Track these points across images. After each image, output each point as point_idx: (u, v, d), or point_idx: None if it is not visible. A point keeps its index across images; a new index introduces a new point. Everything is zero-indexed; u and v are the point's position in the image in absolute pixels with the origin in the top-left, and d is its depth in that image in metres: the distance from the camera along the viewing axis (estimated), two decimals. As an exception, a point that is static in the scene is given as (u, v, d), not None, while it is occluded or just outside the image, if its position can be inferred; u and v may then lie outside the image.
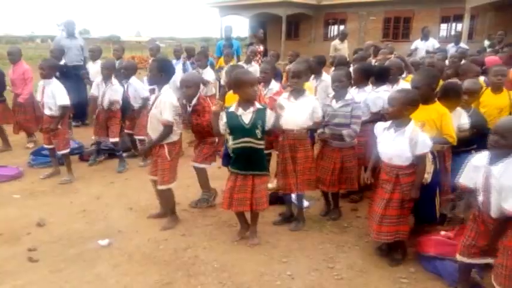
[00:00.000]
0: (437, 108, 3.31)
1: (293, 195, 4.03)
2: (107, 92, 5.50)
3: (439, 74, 4.02)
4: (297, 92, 3.72)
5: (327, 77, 5.09)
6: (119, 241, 3.66)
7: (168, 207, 4.00)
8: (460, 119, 3.49)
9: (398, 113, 3.07)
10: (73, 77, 7.19)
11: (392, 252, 3.35)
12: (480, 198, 2.51)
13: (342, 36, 10.43)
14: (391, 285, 3.02)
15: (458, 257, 2.72)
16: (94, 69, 6.98)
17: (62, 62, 7.17)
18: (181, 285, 3.01)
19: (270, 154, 4.43)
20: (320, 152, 4.03)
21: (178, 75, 6.76)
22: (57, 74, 5.69)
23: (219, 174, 4.60)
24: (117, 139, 5.64)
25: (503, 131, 2.36)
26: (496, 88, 3.86)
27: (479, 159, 2.53)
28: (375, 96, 4.21)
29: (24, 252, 3.44)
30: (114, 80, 5.57)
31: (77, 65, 7.81)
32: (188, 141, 4.86)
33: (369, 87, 4.34)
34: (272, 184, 4.58)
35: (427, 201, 3.23)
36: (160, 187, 3.80)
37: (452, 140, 3.26)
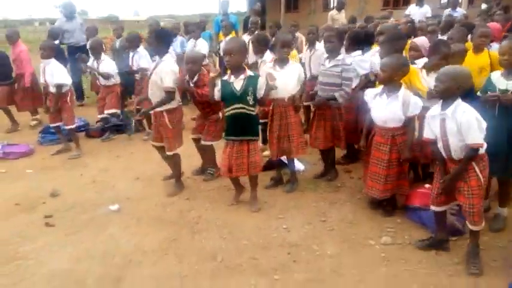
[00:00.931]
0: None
1: (286, 160, 4.26)
2: (99, 68, 5.77)
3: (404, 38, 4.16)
4: (281, 61, 3.88)
5: (320, 46, 5.22)
6: (128, 207, 3.94)
7: (174, 173, 4.24)
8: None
9: (390, 77, 3.26)
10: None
11: (384, 204, 3.60)
12: (440, 144, 2.75)
13: (339, 6, 10.38)
14: (378, 234, 3.28)
15: (432, 207, 2.98)
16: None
17: (56, 42, 7.33)
18: (187, 240, 3.30)
19: (266, 123, 4.63)
20: (314, 112, 4.25)
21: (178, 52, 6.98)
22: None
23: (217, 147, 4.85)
24: (113, 110, 5.89)
25: (440, 77, 2.67)
26: (478, 49, 3.99)
27: (434, 109, 2.79)
28: (359, 59, 4.38)
29: (41, 219, 3.73)
30: (103, 56, 5.83)
31: (83, 45, 7.93)
32: (192, 117, 5.07)
33: (356, 53, 4.49)
34: (268, 151, 4.80)
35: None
36: (168, 153, 4.04)
37: (423, 93, 3.45)
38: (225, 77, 3.58)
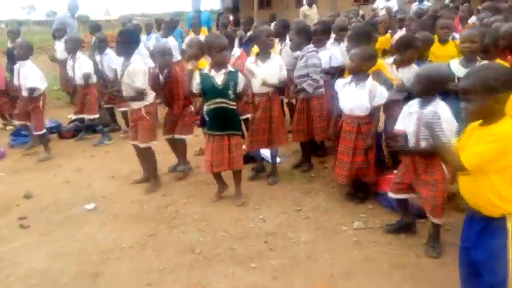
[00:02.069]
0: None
1: (264, 152, 4.34)
2: (75, 67, 5.60)
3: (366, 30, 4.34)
4: (264, 54, 3.96)
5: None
6: (104, 205, 3.93)
7: (150, 169, 4.24)
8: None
9: (358, 68, 3.39)
10: None
11: (357, 193, 3.73)
12: (413, 140, 2.82)
13: (310, 1, 10.55)
14: (351, 219, 3.41)
15: (389, 194, 3.10)
16: (60, 47, 7.02)
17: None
18: (165, 235, 3.33)
19: (247, 119, 4.69)
20: (294, 106, 4.34)
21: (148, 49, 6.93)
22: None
23: (193, 143, 4.90)
24: (95, 115, 5.76)
25: (418, 79, 2.75)
26: (443, 40, 4.18)
27: (411, 105, 2.86)
28: (336, 52, 4.51)
29: (15, 221, 3.68)
30: (79, 54, 5.61)
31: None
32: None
33: (329, 43, 4.61)
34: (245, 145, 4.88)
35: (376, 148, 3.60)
36: (142, 145, 4.04)
37: (393, 81, 3.60)
38: (205, 70, 3.57)
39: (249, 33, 7.27)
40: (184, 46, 6.72)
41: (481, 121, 1.89)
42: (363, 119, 3.43)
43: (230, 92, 3.51)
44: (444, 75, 2.80)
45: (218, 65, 3.51)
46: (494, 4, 6.35)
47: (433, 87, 2.71)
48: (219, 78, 3.50)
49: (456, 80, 3.12)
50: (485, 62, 3.11)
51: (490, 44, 3.31)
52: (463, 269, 2.11)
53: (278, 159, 4.68)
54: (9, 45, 7.48)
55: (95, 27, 7.73)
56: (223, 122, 3.60)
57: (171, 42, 7.18)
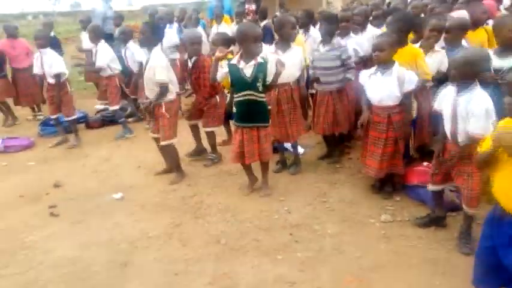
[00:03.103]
0: (410, 50, 3.50)
1: (288, 144, 4.30)
2: (97, 55, 5.59)
3: (410, 16, 4.14)
4: (283, 44, 3.89)
5: (314, 31, 5.20)
6: (131, 194, 3.99)
7: (173, 163, 4.28)
8: (440, 64, 3.57)
9: (389, 56, 3.27)
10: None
11: (384, 186, 3.64)
12: (448, 126, 2.72)
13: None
14: (378, 212, 3.34)
15: (428, 186, 3.00)
16: (87, 38, 7.09)
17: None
18: (190, 225, 3.36)
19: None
20: (314, 98, 4.27)
21: (171, 40, 6.93)
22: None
23: (219, 132, 4.89)
24: (116, 107, 5.76)
25: (454, 65, 2.61)
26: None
27: (449, 89, 2.74)
28: (361, 41, 4.38)
29: (45, 209, 3.78)
30: (100, 44, 5.57)
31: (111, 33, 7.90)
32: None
33: (353, 34, 4.49)
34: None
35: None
36: (162, 143, 4.06)
37: (429, 77, 3.46)
38: (233, 61, 3.50)
39: (263, 23, 7.17)
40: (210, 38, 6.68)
41: None
42: (393, 109, 3.32)
43: (259, 84, 3.44)
44: (482, 59, 2.63)
45: (249, 56, 3.44)
46: None
47: (470, 71, 2.53)
48: (248, 70, 3.43)
49: (492, 71, 2.99)
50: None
51: None
52: (483, 269, 2.05)
53: (302, 150, 4.64)
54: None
55: (118, 19, 7.77)
56: (252, 114, 3.55)
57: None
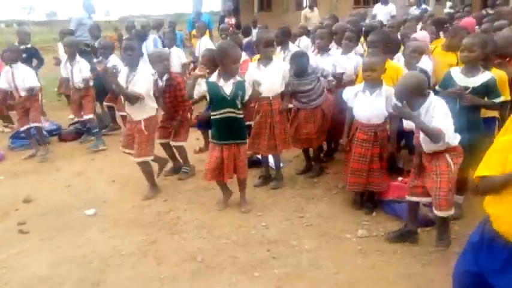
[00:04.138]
0: (392, 65, 3.60)
1: (270, 157, 4.31)
2: (74, 71, 5.53)
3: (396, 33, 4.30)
4: (266, 59, 3.93)
5: (293, 47, 5.27)
6: (105, 210, 3.89)
7: (147, 179, 4.16)
8: None
9: (379, 74, 3.34)
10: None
11: (365, 202, 3.67)
12: (415, 138, 2.86)
13: (311, 4, 10.55)
14: (355, 227, 3.37)
15: (408, 198, 3.06)
16: (63, 49, 6.98)
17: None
18: (166, 241, 3.29)
19: (250, 126, 4.66)
20: (293, 116, 4.30)
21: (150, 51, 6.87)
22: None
23: (198, 145, 4.86)
24: (91, 116, 5.66)
25: (398, 96, 2.84)
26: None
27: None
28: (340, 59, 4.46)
29: (14, 226, 3.63)
30: (78, 58, 5.55)
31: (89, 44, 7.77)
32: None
33: (333, 50, 4.58)
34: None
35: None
36: (137, 160, 3.97)
37: None
38: (212, 79, 3.49)
39: (246, 39, 7.25)
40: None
41: None
42: (379, 127, 3.40)
43: (238, 102, 3.45)
44: (419, 82, 2.77)
45: (228, 75, 3.44)
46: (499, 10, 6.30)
47: (415, 94, 2.74)
48: (227, 88, 3.43)
49: (459, 87, 3.09)
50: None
51: (491, 51, 3.26)
52: None
53: (281, 164, 4.64)
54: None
55: (95, 30, 7.68)
56: (230, 131, 3.54)
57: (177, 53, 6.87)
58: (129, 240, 3.32)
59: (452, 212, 2.86)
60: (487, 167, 1.82)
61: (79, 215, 3.79)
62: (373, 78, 3.31)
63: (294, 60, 4.03)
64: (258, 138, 4.04)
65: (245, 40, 7.59)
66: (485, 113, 3.25)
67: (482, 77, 3.05)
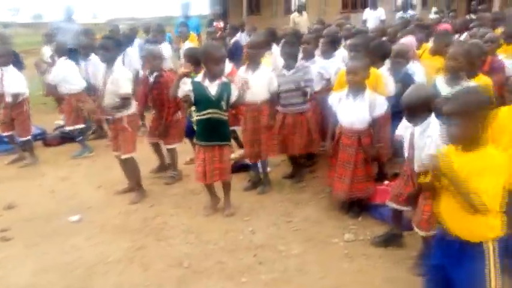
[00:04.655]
0: (373, 71, 3.63)
1: (259, 163, 4.31)
2: (52, 72, 5.45)
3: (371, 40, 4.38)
4: (254, 64, 3.94)
5: (276, 49, 5.29)
6: (90, 216, 3.84)
7: (134, 180, 4.16)
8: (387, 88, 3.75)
9: (362, 79, 3.35)
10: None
11: (352, 206, 3.68)
12: (406, 154, 2.81)
13: (300, 8, 10.62)
14: (342, 231, 3.39)
15: (388, 203, 3.04)
16: (49, 52, 6.91)
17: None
18: (152, 247, 3.27)
19: (234, 131, 4.67)
20: (280, 121, 4.30)
21: (136, 54, 6.86)
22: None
23: (185, 149, 4.83)
24: (71, 127, 5.53)
25: (406, 105, 2.63)
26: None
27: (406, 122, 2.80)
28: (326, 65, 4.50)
29: (-3, 233, 3.57)
30: (60, 60, 5.46)
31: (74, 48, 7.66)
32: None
33: (318, 57, 4.61)
34: (235, 154, 4.85)
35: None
36: (124, 156, 3.97)
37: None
38: (198, 79, 3.50)
39: (232, 40, 7.25)
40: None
41: (459, 145, 1.90)
42: (363, 132, 3.41)
43: (223, 103, 3.46)
44: (432, 97, 2.67)
45: (213, 75, 3.45)
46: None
47: (417, 111, 2.60)
48: (213, 88, 3.44)
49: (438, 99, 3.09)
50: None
51: (475, 57, 3.30)
52: (432, 286, 2.12)
53: (268, 169, 4.65)
54: None
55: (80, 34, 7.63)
56: (214, 132, 3.55)
57: (166, 50, 6.79)
58: (115, 247, 3.29)
59: (432, 233, 2.74)
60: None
61: (64, 221, 3.74)
62: (355, 81, 3.33)
63: (285, 46, 4.09)
64: (252, 145, 4.04)
65: (232, 40, 7.60)
66: None
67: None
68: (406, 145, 2.81)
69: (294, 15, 10.68)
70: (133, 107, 4.01)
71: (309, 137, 4.15)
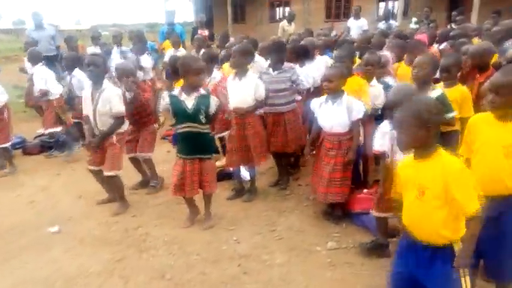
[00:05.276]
0: (356, 79, 3.69)
1: (242, 171, 4.30)
2: (34, 81, 5.36)
3: (355, 50, 4.50)
4: (241, 71, 3.94)
5: (259, 58, 5.31)
6: (70, 227, 3.76)
7: (117, 194, 4.09)
8: (375, 99, 3.83)
9: (337, 86, 3.43)
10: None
11: (333, 211, 3.72)
12: (389, 159, 2.86)
13: (290, 18, 10.65)
14: (325, 239, 3.39)
15: (372, 212, 3.10)
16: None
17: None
18: (133, 260, 3.21)
19: (223, 138, 4.65)
20: (269, 119, 4.30)
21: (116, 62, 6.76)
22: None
23: (168, 158, 4.79)
24: (50, 130, 5.48)
25: (391, 104, 2.69)
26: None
27: (385, 125, 2.87)
28: (304, 73, 4.53)
29: (-28, 246, 3.46)
30: (40, 68, 5.38)
31: (49, 55, 7.51)
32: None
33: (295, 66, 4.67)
34: (220, 162, 4.83)
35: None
36: (109, 173, 3.89)
37: (368, 106, 3.65)
38: (175, 92, 3.45)
39: (223, 52, 7.24)
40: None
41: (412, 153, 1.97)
42: (343, 136, 3.47)
43: (201, 116, 3.40)
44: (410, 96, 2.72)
45: (191, 88, 3.41)
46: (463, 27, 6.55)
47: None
48: (189, 102, 3.39)
49: None
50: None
51: (452, 65, 3.38)
52: None
53: (247, 177, 4.64)
54: None
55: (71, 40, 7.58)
56: (194, 145, 3.50)
57: (146, 60, 6.76)
58: (95, 259, 3.22)
59: (385, 215, 2.95)
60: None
61: (42, 233, 3.65)
62: (330, 88, 3.44)
63: (273, 48, 4.16)
64: (233, 153, 4.02)
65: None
66: (446, 127, 3.32)
67: (433, 94, 3.10)
68: (388, 150, 2.84)
69: (284, 24, 10.69)
70: (125, 125, 3.96)
71: (285, 137, 4.17)
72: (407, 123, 1.89)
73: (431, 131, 1.87)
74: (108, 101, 3.75)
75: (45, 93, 5.40)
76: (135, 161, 4.47)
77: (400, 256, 2.11)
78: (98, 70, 3.81)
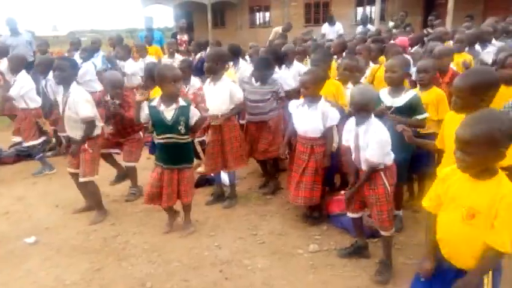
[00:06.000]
0: (333, 82, 3.73)
1: (223, 176, 4.27)
2: (15, 88, 5.15)
3: (332, 54, 4.57)
4: (215, 77, 3.93)
5: (243, 64, 5.33)
6: (47, 237, 3.66)
7: (94, 201, 4.01)
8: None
9: (313, 91, 3.44)
10: None
11: (311, 212, 3.75)
12: (353, 155, 2.91)
13: (287, 27, 10.59)
14: (306, 242, 3.40)
15: (348, 214, 3.12)
16: (3, 66, 6.60)
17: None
18: (112, 269, 3.14)
19: (204, 142, 4.62)
20: (245, 131, 4.32)
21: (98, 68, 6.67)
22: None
23: (148, 165, 4.72)
24: (31, 142, 5.25)
25: (354, 103, 2.79)
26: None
27: (350, 123, 2.93)
28: (285, 76, 4.57)
29: None
30: (19, 75, 5.18)
31: (28, 61, 7.30)
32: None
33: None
34: (202, 168, 4.79)
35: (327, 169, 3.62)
36: (81, 179, 3.81)
37: (346, 108, 3.69)
38: (154, 103, 3.37)
39: (197, 56, 7.22)
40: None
41: (465, 170, 1.74)
42: (316, 141, 3.47)
43: (181, 127, 3.34)
44: (373, 98, 2.83)
45: (169, 98, 3.33)
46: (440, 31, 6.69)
47: (364, 108, 2.75)
48: (168, 113, 3.31)
49: (384, 106, 3.20)
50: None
51: (430, 66, 3.43)
52: None
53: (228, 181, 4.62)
54: None
55: (43, 46, 7.42)
56: (173, 155, 3.45)
57: (130, 66, 6.78)
58: (73, 269, 3.14)
59: (393, 230, 2.94)
60: (427, 198, 1.97)
61: (18, 244, 3.54)
62: (306, 94, 3.47)
63: (259, 65, 4.14)
64: (211, 158, 4.00)
65: (197, 56, 7.56)
66: (426, 129, 3.34)
67: (406, 96, 3.19)
68: (352, 147, 2.90)
69: (277, 30, 10.62)
70: (98, 129, 3.86)
71: (270, 143, 4.18)
72: (476, 142, 1.63)
73: (502, 154, 1.64)
74: (74, 106, 3.65)
75: (8, 99, 5.16)
76: (107, 156, 4.44)
77: (421, 281, 1.95)
78: (64, 74, 3.70)
